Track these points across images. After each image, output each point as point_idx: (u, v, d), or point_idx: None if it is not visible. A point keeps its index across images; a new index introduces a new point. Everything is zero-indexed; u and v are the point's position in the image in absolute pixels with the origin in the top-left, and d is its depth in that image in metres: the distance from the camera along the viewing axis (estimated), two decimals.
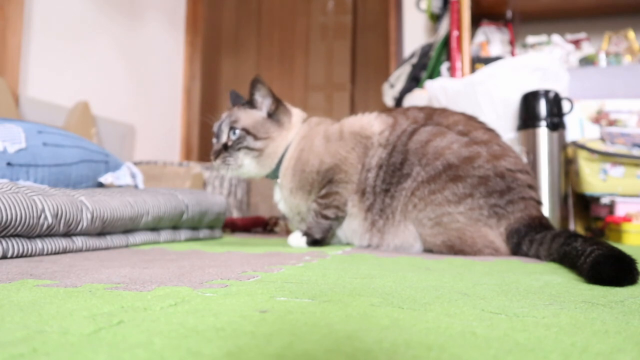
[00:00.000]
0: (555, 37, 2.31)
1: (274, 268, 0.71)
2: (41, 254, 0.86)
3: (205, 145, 3.19)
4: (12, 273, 0.62)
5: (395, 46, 2.86)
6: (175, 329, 0.35)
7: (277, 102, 1.21)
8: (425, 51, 2.36)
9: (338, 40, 3.45)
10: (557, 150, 1.60)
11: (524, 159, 1.56)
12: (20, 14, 1.89)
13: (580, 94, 1.99)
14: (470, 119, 1.15)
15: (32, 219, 0.82)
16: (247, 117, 1.18)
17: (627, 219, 1.44)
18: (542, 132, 1.59)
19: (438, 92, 1.82)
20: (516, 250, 0.98)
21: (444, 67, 2.23)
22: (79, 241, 0.95)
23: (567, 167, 1.67)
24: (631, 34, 2.26)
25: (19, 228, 0.81)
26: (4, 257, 0.79)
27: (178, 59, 3.08)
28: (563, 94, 1.65)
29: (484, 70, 1.74)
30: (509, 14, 2.44)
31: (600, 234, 1.65)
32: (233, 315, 0.39)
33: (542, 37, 2.35)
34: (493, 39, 2.39)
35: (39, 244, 0.86)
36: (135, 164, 2.01)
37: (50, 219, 0.86)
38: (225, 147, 1.17)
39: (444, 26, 2.30)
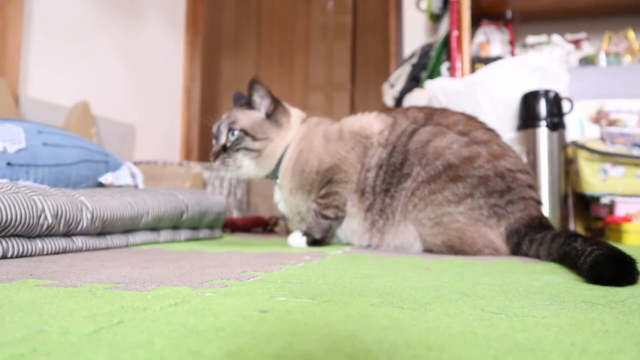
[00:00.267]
0: (555, 37, 2.31)
1: (274, 268, 0.71)
2: (41, 254, 0.86)
3: (205, 146, 3.19)
4: (12, 273, 0.62)
5: (395, 46, 2.86)
6: (175, 329, 0.35)
7: (276, 103, 1.21)
8: (425, 51, 2.36)
9: (338, 40, 3.45)
10: (557, 150, 1.60)
11: (524, 159, 1.56)
12: (20, 14, 1.89)
13: (580, 94, 1.99)
14: (470, 119, 1.15)
15: (32, 219, 0.82)
16: (245, 118, 1.18)
17: (627, 219, 1.44)
18: (542, 132, 1.59)
19: (438, 92, 1.82)
20: (516, 250, 0.98)
21: (444, 67, 2.23)
22: (79, 241, 0.95)
23: (567, 167, 1.67)
24: (631, 34, 2.26)
25: (19, 228, 0.81)
26: (4, 257, 0.79)
27: (178, 59, 3.08)
28: (563, 94, 1.65)
29: (484, 70, 1.74)
30: (509, 14, 2.44)
31: (600, 234, 1.65)
32: (233, 315, 0.39)
33: (542, 37, 2.35)
34: (493, 39, 2.40)
35: (39, 244, 0.86)
36: (135, 164, 2.01)
37: (50, 219, 0.86)
38: (225, 148, 1.17)
39: (444, 26, 2.30)
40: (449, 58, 2.21)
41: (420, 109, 1.19)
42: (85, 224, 0.94)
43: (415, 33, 2.77)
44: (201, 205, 1.34)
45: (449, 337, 0.34)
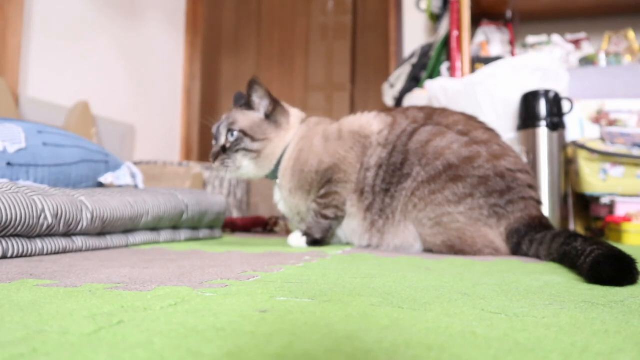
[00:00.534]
0: (555, 37, 2.31)
1: (274, 268, 0.71)
2: (41, 254, 0.86)
3: (205, 146, 3.19)
4: (12, 273, 0.62)
5: (395, 46, 2.86)
6: (175, 329, 0.35)
7: (275, 103, 1.21)
8: (425, 51, 2.36)
9: (338, 40, 3.44)
10: (557, 150, 1.60)
11: (524, 159, 1.56)
12: (20, 14, 1.89)
13: (580, 94, 1.99)
14: (470, 118, 1.15)
15: (32, 219, 0.82)
16: (244, 119, 1.18)
17: (627, 219, 1.44)
18: (542, 132, 1.59)
19: (438, 92, 1.82)
20: (516, 250, 0.98)
21: (444, 67, 2.23)
22: (79, 241, 0.95)
23: (567, 167, 1.67)
24: (631, 34, 2.26)
25: (19, 228, 0.81)
26: (4, 257, 0.79)
27: (178, 59, 3.08)
28: (563, 94, 1.65)
29: (484, 70, 1.74)
30: (509, 14, 2.44)
31: (600, 234, 1.65)
32: (233, 315, 0.39)
33: (542, 37, 2.35)
34: (493, 39, 2.39)
35: (39, 244, 0.86)
36: (135, 164, 2.01)
37: (50, 219, 0.86)
38: (224, 149, 1.17)
39: (444, 26, 2.30)
40: (449, 58, 2.21)
41: (420, 109, 1.19)
42: (85, 224, 0.94)
43: (415, 33, 2.77)
44: (201, 205, 1.34)
45: (449, 337, 0.34)
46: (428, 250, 1.07)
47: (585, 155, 1.68)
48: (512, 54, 2.36)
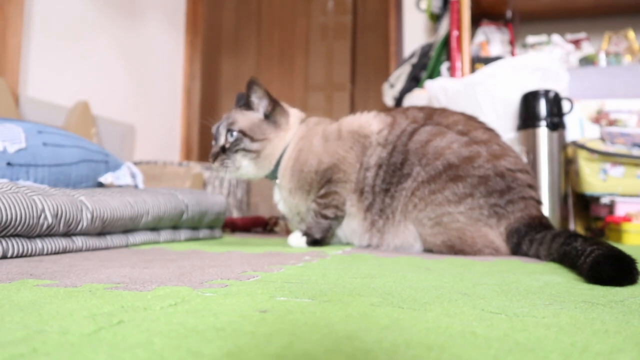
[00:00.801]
0: (555, 37, 2.31)
1: (274, 268, 0.71)
2: (41, 253, 0.86)
3: (205, 146, 3.19)
4: (12, 273, 0.62)
5: (395, 46, 2.86)
6: (175, 329, 0.35)
7: (274, 103, 1.21)
8: (425, 51, 2.36)
9: (338, 40, 3.44)
10: (557, 150, 1.60)
11: (524, 159, 1.56)
12: (20, 14, 1.89)
13: (580, 94, 1.99)
14: (470, 118, 1.15)
15: (32, 219, 0.82)
16: (243, 119, 1.18)
17: (627, 219, 1.44)
18: (542, 132, 1.59)
19: (438, 92, 1.82)
20: (516, 250, 0.98)
21: (444, 67, 2.23)
22: (79, 241, 0.95)
23: (567, 167, 1.67)
24: (631, 34, 2.26)
25: (19, 228, 0.81)
26: (4, 257, 0.79)
27: (178, 59, 3.08)
28: (563, 94, 1.65)
29: (484, 70, 1.74)
30: (509, 13, 2.44)
31: (600, 234, 1.65)
32: (233, 315, 0.39)
33: (542, 37, 2.35)
34: (493, 39, 2.39)
35: (39, 244, 0.86)
36: (135, 164, 2.01)
37: (50, 219, 0.86)
38: (223, 149, 1.17)
39: (444, 26, 2.30)
40: (449, 58, 2.21)
41: (420, 108, 1.19)
42: (85, 224, 0.94)
43: (415, 33, 2.77)
44: (201, 205, 1.34)
45: (449, 337, 0.34)
46: (428, 250, 1.07)
47: (585, 155, 1.68)
48: (512, 54, 2.36)
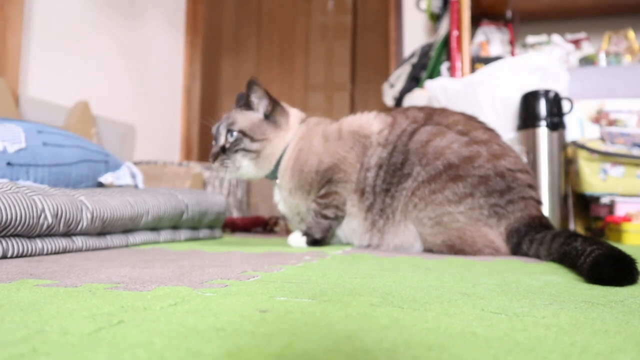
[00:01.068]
0: (555, 37, 2.31)
1: (274, 268, 0.71)
2: (41, 253, 0.86)
3: (205, 146, 3.19)
4: (12, 273, 0.62)
5: (395, 46, 2.86)
6: (175, 329, 0.35)
7: (274, 103, 1.21)
8: (425, 51, 2.36)
9: (338, 40, 3.44)
10: (557, 150, 1.60)
11: (524, 159, 1.56)
12: (20, 14, 1.89)
13: (580, 94, 1.99)
14: (470, 118, 1.15)
15: (32, 219, 0.82)
16: (243, 119, 1.18)
17: (627, 218, 1.44)
18: (542, 132, 1.59)
19: (438, 92, 1.82)
20: (516, 250, 0.98)
21: (444, 67, 2.23)
22: (79, 241, 0.95)
23: (567, 167, 1.67)
24: (631, 34, 2.26)
25: (19, 228, 0.81)
26: (4, 257, 0.79)
27: (178, 59, 3.08)
28: (563, 94, 1.65)
29: (484, 70, 1.74)
30: (509, 13, 2.44)
31: (600, 233, 1.65)
32: (233, 315, 0.39)
33: (542, 37, 2.35)
34: (493, 38, 2.39)
35: (39, 244, 0.86)
36: (135, 164, 2.01)
37: (50, 219, 0.86)
38: (223, 149, 1.17)
39: (444, 26, 2.30)
40: (449, 58, 2.21)
41: (420, 108, 1.19)
42: (85, 224, 0.94)
43: (415, 33, 2.77)
44: (201, 205, 1.34)
45: (449, 337, 0.34)
46: (428, 250, 1.07)
47: (585, 155, 1.68)
48: (512, 54, 2.36)
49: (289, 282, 0.57)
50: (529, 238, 0.95)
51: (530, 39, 2.37)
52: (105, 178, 1.30)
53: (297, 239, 1.17)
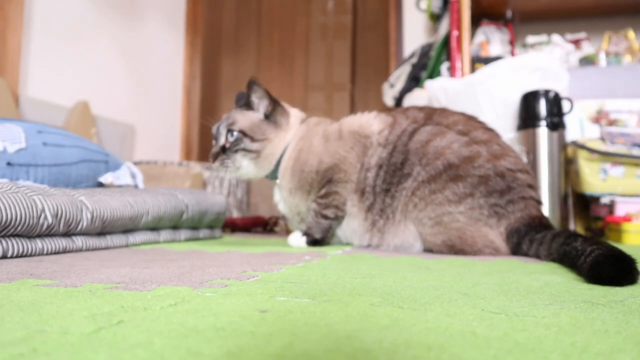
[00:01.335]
0: (555, 37, 2.31)
1: (274, 268, 0.71)
2: (41, 253, 0.86)
3: (205, 146, 3.19)
4: (12, 273, 0.62)
5: (395, 46, 2.86)
6: (175, 329, 0.35)
7: (274, 103, 1.21)
8: (425, 51, 2.36)
9: (338, 40, 3.44)
10: (557, 150, 1.60)
11: (524, 159, 1.56)
12: (20, 14, 1.89)
13: (580, 94, 1.99)
14: (470, 118, 1.15)
15: (32, 219, 0.82)
16: (244, 119, 1.18)
17: (627, 218, 1.44)
18: (542, 132, 1.59)
19: (438, 92, 1.82)
20: (516, 250, 0.98)
21: (444, 67, 2.22)
22: (79, 241, 0.95)
23: (567, 167, 1.67)
24: (631, 34, 2.26)
25: (19, 228, 0.81)
26: (4, 257, 0.79)
27: (178, 59, 3.08)
28: (563, 93, 1.65)
29: (484, 70, 1.74)
30: (509, 13, 2.44)
31: (600, 233, 1.65)
32: (233, 315, 0.39)
33: (542, 37, 2.35)
34: (493, 38, 2.39)
35: (39, 244, 0.86)
36: (135, 164, 2.01)
37: (50, 219, 0.86)
38: (224, 149, 1.17)
39: (444, 26, 2.30)
40: (449, 58, 2.21)
41: (420, 109, 1.19)
42: (85, 224, 0.94)
43: (415, 33, 2.77)
44: (201, 205, 1.34)
45: (449, 337, 0.34)
46: (428, 250, 1.07)
47: (585, 155, 1.68)
48: (512, 54, 2.36)
49: (289, 282, 0.57)
50: (529, 238, 0.95)
51: (530, 39, 2.37)
52: (105, 178, 1.30)
53: (297, 239, 1.17)
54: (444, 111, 1.17)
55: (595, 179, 1.65)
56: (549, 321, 0.39)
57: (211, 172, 2.19)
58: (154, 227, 1.20)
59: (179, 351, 0.29)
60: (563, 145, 1.62)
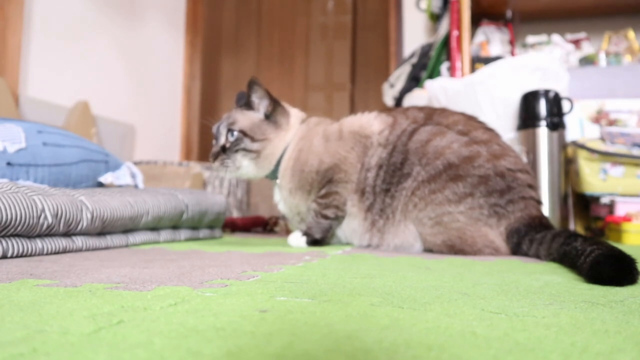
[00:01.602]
0: (555, 37, 2.31)
1: (274, 268, 0.71)
2: (41, 253, 0.86)
3: (205, 146, 3.19)
4: (12, 273, 0.62)
5: (395, 46, 2.86)
6: (175, 329, 0.35)
7: (274, 103, 1.21)
8: (425, 51, 2.36)
9: (338, 40, 3.44)
10: (557, 150, 1.60)
11: (524, 159, 1.56)
12: (20, 14, 1.89)
13: (580, 94, 1.99)
14: (470, 118, 1.15)
15: (32, 219, 0.82)
16: (244, 119, 1.18)
17: (627, 218, 1.44)
18: (542, 132, 1.59)
19: (438, 92, 1.82)
20: (516, 249, 0.98)
21: (444, 67, 2.22)
22: (79, 241, 0.95)
23: (567, 167, 1.67)
24: (631, 33, 2.26)
25: (19, 228, 0.81)
26: (4, 257, 0.79)
27: (178, 59, 3.08)
28: (563, 93, 1.65)
29: (484, 70, 1.74)
30: (509, 13, 2.44)
31: (600, 233, 1.65)
32: (233, 315, 0.39)
33: (542, 37, 2.35)
34: (493, 38, 2.39)
35: (39, 244, 0.86)
36: (135, 163, 2.01)
37: (50, 219, 0.86)
38: (224, 149, 1.17)
39: (444, 26, 2.30)
40: (449, 58, 2.21)
41: (420, 108, 1.19)
42: (85, 224, 0.94)
43: (415, 33, 2.77)
44: (201, 205, 1.34)
45: (449, 337, 0.34)
46: (428, 249, 1.07)
47: (585, 155, 1.68)
48: (512, 53, 2.36)
49: (289, 282, 0.57)
50: (529, 238, 0.95)
51: (530, 39, 2.37)
52: (105, 178, 1.30)
53: (297, 239, 1.17)
54: (444, 111, 1.17)
55: (595, 179, 1.65)
56: (549, 321, 0.39)
57: (211, 172, 2.19)
58: (154, 227, 1.20)
59: (179, 351, 0.29)
60: (563, 145, 1.62)
